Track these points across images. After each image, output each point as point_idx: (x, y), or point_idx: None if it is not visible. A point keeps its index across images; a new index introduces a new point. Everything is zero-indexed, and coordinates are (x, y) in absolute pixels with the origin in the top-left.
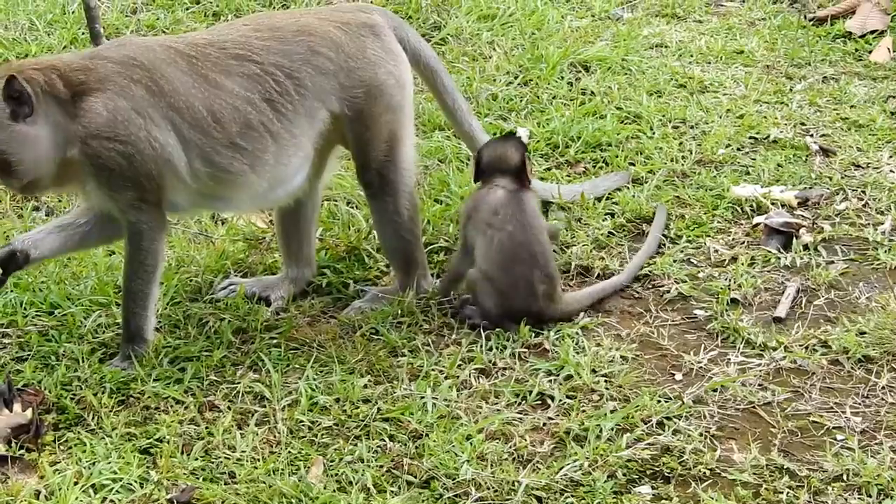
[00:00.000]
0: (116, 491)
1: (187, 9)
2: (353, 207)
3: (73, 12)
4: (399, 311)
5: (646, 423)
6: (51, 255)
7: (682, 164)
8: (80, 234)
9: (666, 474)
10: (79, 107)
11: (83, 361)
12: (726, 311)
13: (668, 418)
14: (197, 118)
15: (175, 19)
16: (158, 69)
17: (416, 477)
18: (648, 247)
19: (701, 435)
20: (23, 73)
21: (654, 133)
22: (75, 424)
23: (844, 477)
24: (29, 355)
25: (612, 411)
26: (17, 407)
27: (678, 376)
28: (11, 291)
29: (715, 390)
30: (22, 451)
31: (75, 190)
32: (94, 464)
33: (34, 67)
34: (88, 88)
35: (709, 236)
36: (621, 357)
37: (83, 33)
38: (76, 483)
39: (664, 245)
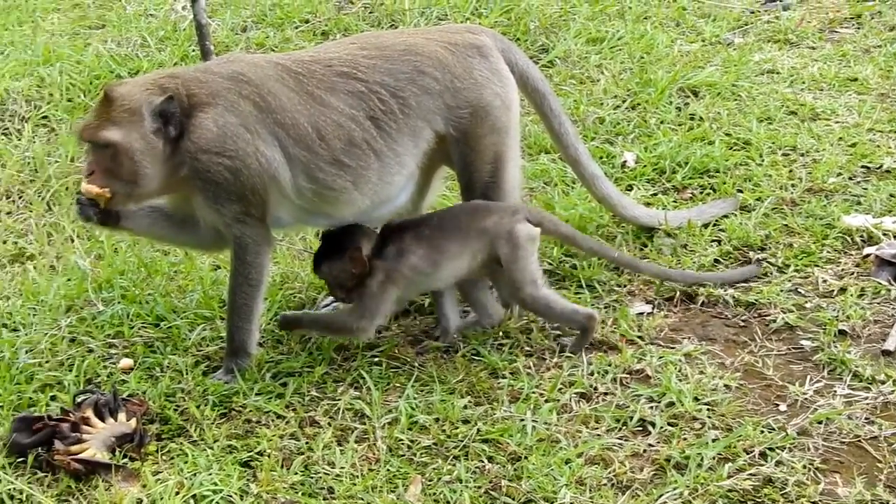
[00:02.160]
0: (216, 502)
1: (296, 27)
2: None
3: (184, 30)
4: (501, 333)
5: (748, 454)
6: (136, 230)
7: (792, 192)
8: (170, 225)
9: None
10: (190, 122)
11: (187, 373)
12: (833, 342)
13: (771, 449)
14: (302, 134)
15: (284, 38)
16: (266, 85)
17: (514, 499)
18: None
19: (804, 467)
20: (189, 88)
21: (763, 160)
22: (178, 435)
23: None
24: (135, 366)
25: (713, 440)
26: (121, 416)
27: (782, 407)
28: (119, 303)
29: (820, 422)
30: (125, 460)
31: (178, 202)
32: (195, 475)
33: (171, 82)
34: (199, 103)
35: (817, 266)
36: (725, 385)
37: (194, 50)
38: (177, 493)
39: (770, 273)
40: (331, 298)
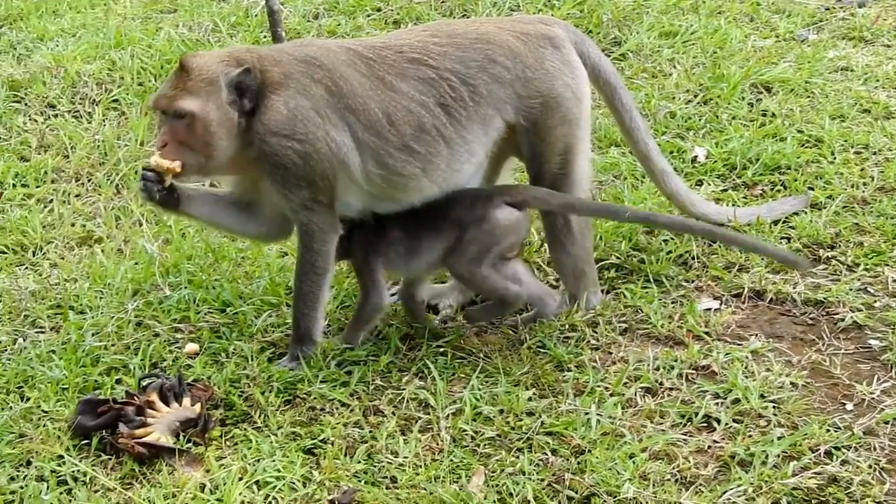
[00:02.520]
0: (279, 489)
1: (368, 15)
2: None
3: (255, 16)
4: (567, 326)
5: (813, 452)
6: (195, 215)
7: (863, 191)
8: (231, 213)
9: None
10: (261, 102)
11: (252, 360)
12: None
13: (836, 448)
14: (372, 120)
15: (356, 26)
16: (338, 70)
17: (576, 492)
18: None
19: (870, 467)
20: (263, 65)
21: (834, 158)
22: (242, 421)
23: None
24: (200, 351)
25: (779, 438)
26: (186, 401)
27: (849, 406)
28: (185, 288)
29: (887, 422)
30: (189, 445)
31: (244, 187)
32: (258, 461)
33: (249, 56)
34: (272, 83)
35: (888, 265)
36: (791, 383)
37: (265, 36)
38: (240, 479)
39: (840, 271)
40: (397, 288)
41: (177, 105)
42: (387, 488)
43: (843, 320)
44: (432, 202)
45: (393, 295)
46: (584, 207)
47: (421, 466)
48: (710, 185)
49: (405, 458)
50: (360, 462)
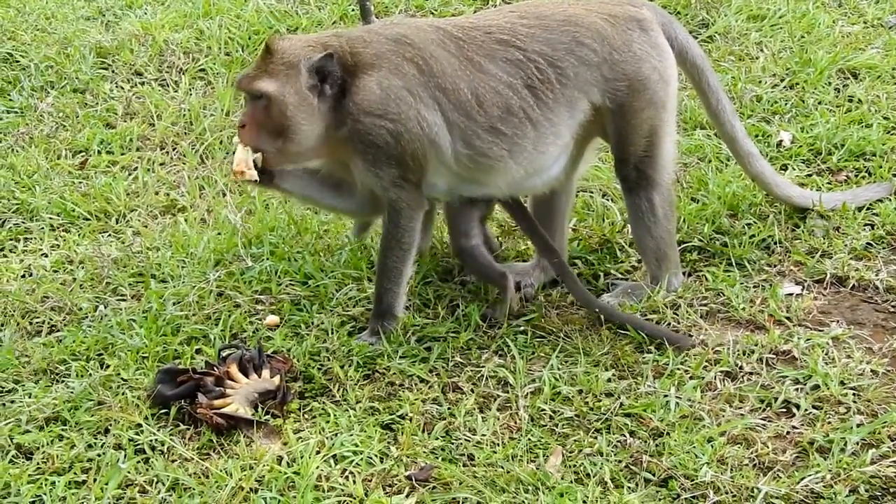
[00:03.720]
0: (356, 463)
1: None
2: (608, 200)
3: None
4: (648, 308)
5: (892, 440)
6: (290, 190)
7: None
8: (324, 188)
9: None
10: (354, 83)
11: (332, 333)
12: None
13: None
14: (461, 100)
15: (444, 1)
16: (428, 49)
17: (654, 475)
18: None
19: None
20: (334, 50)
21: None
22: (321, 394)
23: None
24: (281, 323)
25: (858, 425)
26: (265, 373)
27: None
28: (267, 259)
29: None
30: (267, 417)
31: (333, 166)
32: (336, 434)
33: (336, 41)
34: (364, 64)
35: None
36: (871, 371)
37: (353, 9)
38: (318, 452)
39: None
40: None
41: (255, 86)
42: (464, 465)
43: None
44: None
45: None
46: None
47: (498, 445)
48: (794, 169)
49: (483, 436)
50: (437, 439)
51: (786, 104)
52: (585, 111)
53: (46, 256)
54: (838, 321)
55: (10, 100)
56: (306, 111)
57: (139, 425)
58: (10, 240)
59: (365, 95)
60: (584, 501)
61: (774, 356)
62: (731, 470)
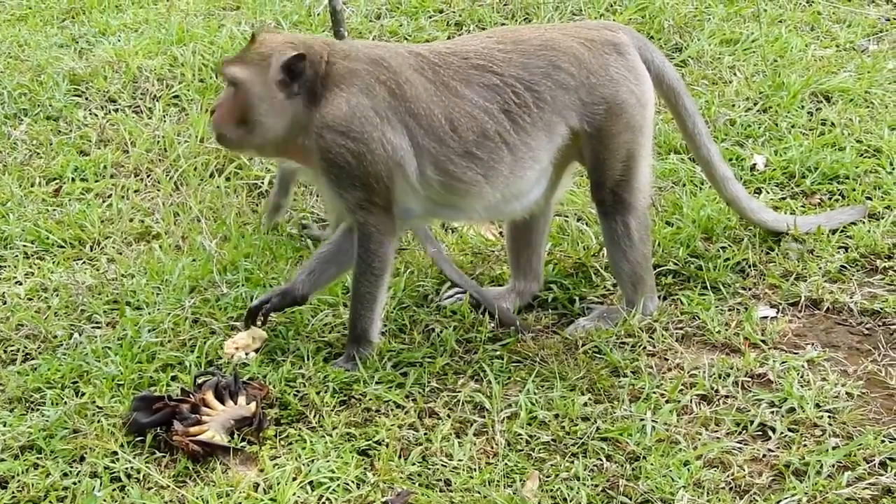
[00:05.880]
0: (333, 490)
1: (430, 17)
2: (583, 224)
3: (318, 14)
4: (623, 331)
5: (868, 463)
6: (322, 287)
7: None
8: (344, 260)
9: None
10: (324, 94)
11: (308, 359)
12: None
13: (891, 459)
14: (434, 126)
15: (418, 26)
16: (403, 73)
17: (631, 499)
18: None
19: None
20: (311, 53)
21: (893, 168)
22: (297, 421)
23: None
24: (256, 349)
25: (834, 448)
26: (241, 399)
27: None
28: (243, 286)
29: None
30: (244, 444)
31: (311, 176)
32: (313, 461)
33: (319, 47)
34: (337, 76)
35: None
36: (847, 393)
37: (326, 36)
38: (294, 479)
39: None
40: (455, 290)
41: (227, 70)
42: (441, 491)
43: None
44: None
45: (450, 297)
46: None
47: (475, 470)
48: (768, 193)
49: (459, 461)
50: (414, 464)
51: (759, 128)
52: (563, 135)
53: (20, 284)
54: (813, 344)
55: None
56: (270, 104)
57: (115, 453)
58: None
59: (331, 109)
60: None
61: (750, 379)
62: (708, 493)
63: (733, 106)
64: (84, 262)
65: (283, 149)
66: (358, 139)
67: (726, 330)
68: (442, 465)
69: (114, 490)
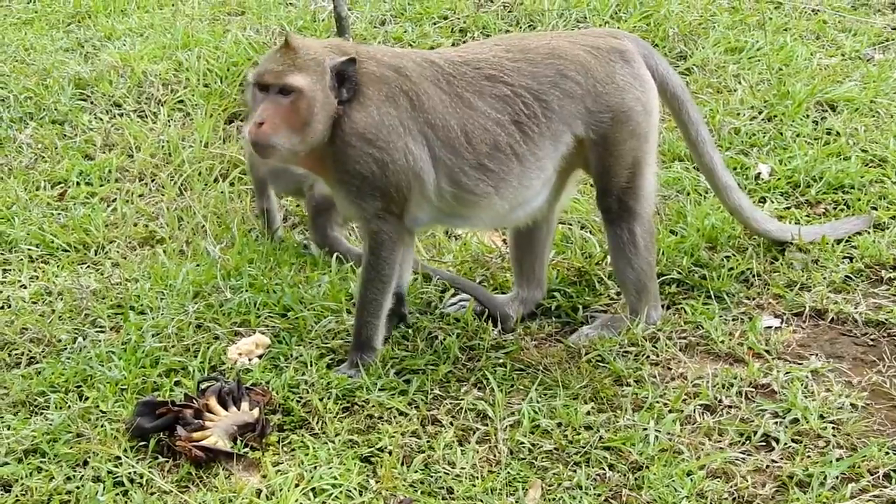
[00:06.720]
0: (336, 497)
1: (435, 23)
2: (587, 232)
3: (323, 20)
4: (627, 340)
5: (872, 474)
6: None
7: None
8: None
9: None
10: (356, 98)
11: (311, 365)
12: None
13: (895, 471)
14: (450, 137)
15: (422, 33)
16: (423, 85)
17: None
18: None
19: None
20: (362, 61)
21: None
22: (300, 427)
23: None
24: (259, 355)
25: (837, 459)
26: (244, 405)
27: None
28: (246, 291)
29: None
30: (246, 450)
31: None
32: (315, 468)
33: (354, 51)
34: (367, 83)
35: None
36: (851, 404)
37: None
38: (297, 485)
39: None
40: (458, 297)
41: (286, 80)
42: (443, 499)
43: None
44: None
45: (453, 304)
46: None
47: (478, 478)
48: (773, 202)
49: (462, 468)
50: (416, 472)
51: (764, 136)
52: (569, 143)
53: (25, 288)
54: (817, 354)
55: None
56: (326, 111)
57: (118, 458)
58: None
59: (362, 116)
60: None
61: (754, 389)
62: None
63: (738, 115)
64: (88, 267)
65: (307, 157)
66: (383, 148)
67: (730, 340)
68: (444, 472)
69: (117, 494)
